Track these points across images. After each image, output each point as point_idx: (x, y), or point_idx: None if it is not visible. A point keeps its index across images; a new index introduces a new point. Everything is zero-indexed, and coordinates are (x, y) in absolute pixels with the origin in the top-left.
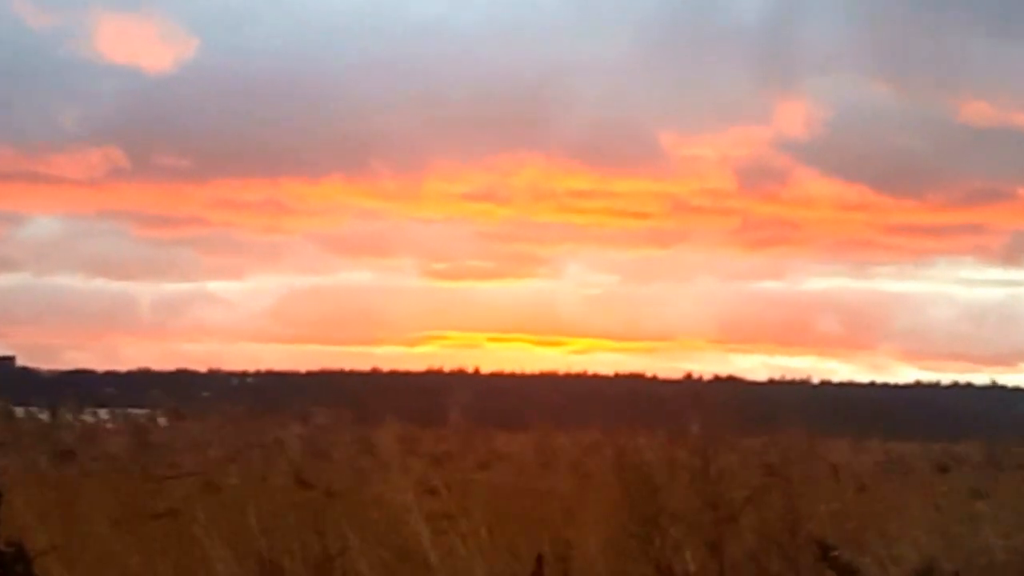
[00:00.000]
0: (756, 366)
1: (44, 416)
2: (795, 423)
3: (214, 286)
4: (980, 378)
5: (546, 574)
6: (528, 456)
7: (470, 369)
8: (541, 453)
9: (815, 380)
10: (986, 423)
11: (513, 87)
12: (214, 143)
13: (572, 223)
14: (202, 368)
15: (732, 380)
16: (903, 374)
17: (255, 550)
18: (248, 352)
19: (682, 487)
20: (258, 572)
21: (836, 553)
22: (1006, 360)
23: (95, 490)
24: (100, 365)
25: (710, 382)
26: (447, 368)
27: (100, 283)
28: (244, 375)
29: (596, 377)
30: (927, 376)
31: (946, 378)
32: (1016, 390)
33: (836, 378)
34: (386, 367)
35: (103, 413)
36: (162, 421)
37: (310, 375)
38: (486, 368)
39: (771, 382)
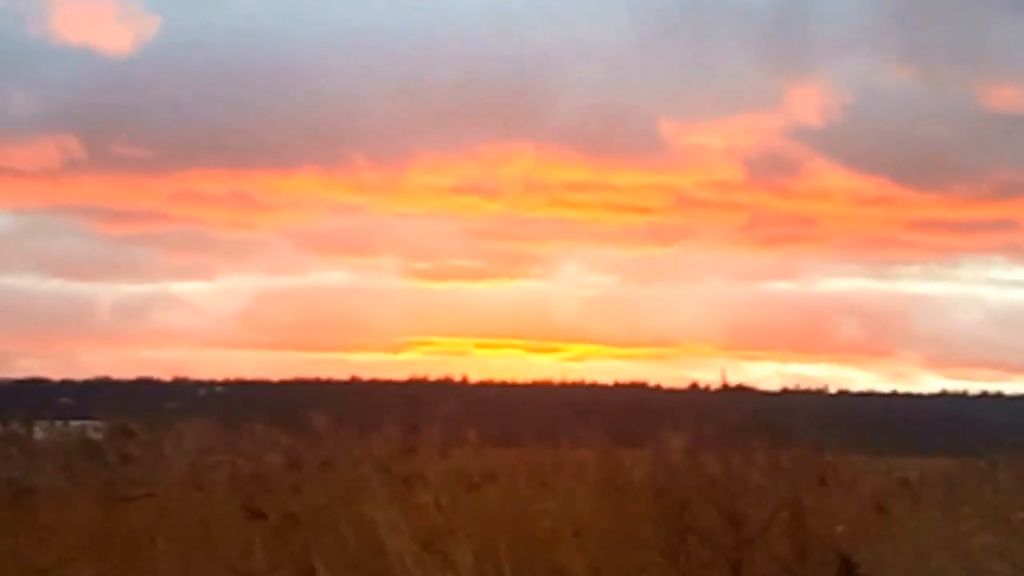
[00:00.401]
0: (768, 374)
1: None
2: (811, 436)
3: (179, 287)
4: (1011, 387)
5: None
6: (520, 475)
7: (457, 377)
8: (534, 472)
9: (832, 389)
10: (1018, 436)
11: (504, 70)
12: (178, 131)
13: (567, 218)
14: (167, 376)
15: (742, 389)
16: (927, 383)
17: None
18: (216, 359)
19: (696, 506)
20: None
21: (860, 572)
22: None
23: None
24: (55, 373)
25: (718, 392)
26: (432, 376)
27: (55, 284)
28: (212, 384)
29: (594, 386)
30: (953, 385)
31: (974, 387)
32: None
33: (855, 387)
34: (366, 375)
35: (58, 425)
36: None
37: (283, 384)
38: (474, 376)
39: (785, 391)
